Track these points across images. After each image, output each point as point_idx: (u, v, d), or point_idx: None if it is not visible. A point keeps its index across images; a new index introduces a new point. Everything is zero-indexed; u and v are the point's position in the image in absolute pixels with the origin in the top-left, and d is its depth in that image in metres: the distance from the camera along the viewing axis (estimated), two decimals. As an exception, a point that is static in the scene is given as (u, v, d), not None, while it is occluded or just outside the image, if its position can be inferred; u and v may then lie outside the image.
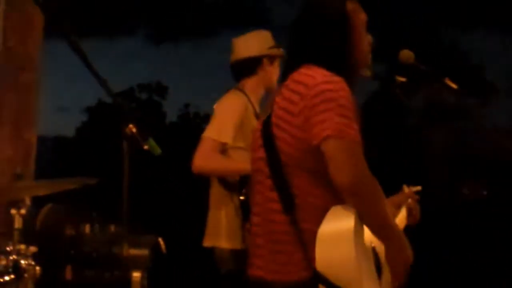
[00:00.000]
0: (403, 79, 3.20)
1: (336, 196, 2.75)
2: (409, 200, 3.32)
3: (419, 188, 3.40)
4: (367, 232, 2.80)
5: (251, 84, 4.43)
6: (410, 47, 3.17)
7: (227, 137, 4.13)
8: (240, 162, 4.09)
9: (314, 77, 2.82)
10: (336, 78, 2.80)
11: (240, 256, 3.99)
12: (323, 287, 2.69)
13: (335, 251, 2.68)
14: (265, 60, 4.42)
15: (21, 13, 5.38)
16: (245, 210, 4.10)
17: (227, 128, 4.15)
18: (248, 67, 4.44)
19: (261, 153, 2.95)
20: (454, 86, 3.18)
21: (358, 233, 2.71)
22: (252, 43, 4.47)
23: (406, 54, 3.12)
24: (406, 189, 3.38)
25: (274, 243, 2.89)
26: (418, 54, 3.15)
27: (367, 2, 3.03)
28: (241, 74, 4.46)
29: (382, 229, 2.78)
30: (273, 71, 4.43)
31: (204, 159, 4.10)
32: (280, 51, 4.41)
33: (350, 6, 2.98)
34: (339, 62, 2.90)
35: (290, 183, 2.85)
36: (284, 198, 2.86)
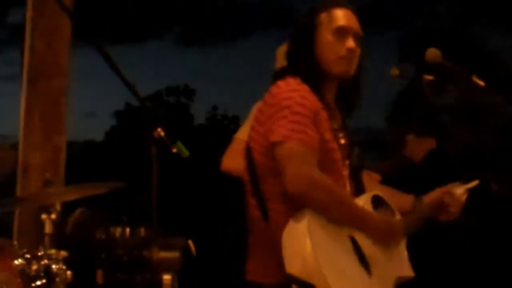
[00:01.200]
0: (431, 78, 3.19)
1: None
2: (445, 196, 3.32)
3: (474, 183, 3.36)
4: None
5: None
6: (438, 45, 3.16)
7: None
8: None
9: (280, 87, 2.99)
10: (299, 87, 2.96)
11: None
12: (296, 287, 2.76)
13: (294, 249, 2.76)
14: None
15: (49, 19, 5.41)
16: None
17: None
18: (282, 76, 4.44)
19: (244, 163, 3.11)
20: (481, 83, 3.16)
21: (319, 228, 2.76)
22: (283, 52, 4.44)
23: (433, 53, 3.11)
24: (454, 186, 3.36)
25: (260, 248, 3.04)
26: (446, 52, 3.14)
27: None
28: None
29: (351, 222, 2.86)
30: None
31: (231, 158, 4.17)
32: None
33: (322, 17, 3.09)
34: (308, 70, 3.03)
35: (264, 190, 2.97)
36: (261, 205, 2.99)
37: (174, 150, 2.79)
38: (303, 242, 2.72)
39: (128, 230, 4.30)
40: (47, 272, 3.20)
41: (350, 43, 3.06)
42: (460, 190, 3.33)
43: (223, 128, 26.85)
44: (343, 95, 3.18)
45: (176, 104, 28.71)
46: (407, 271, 3.06)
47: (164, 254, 4.00)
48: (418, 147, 4.63)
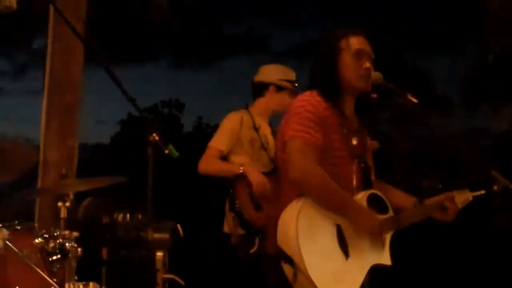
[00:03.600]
0: (375, 96, 3.20)
1: None
2: (446, 201, 3.22)
3: (481, 192, 3.25)
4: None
5: (259, 103, 4.50)
6: (379, 69, 3.17)
7: (223, 146, 4.29)
8: (232, 165, 4.21)
9: (297, 99, 3.04)
10: (310, 98, 2.98)
11: (224, 239, 4.21)
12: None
13: (284, 228, 2.82)
14: (271, 87, 4.45)
15: (65, 45, 5.40)
16: (231, 202, 4.17)
17: (223, 139, 4.30)
18: (258, 89, 4.51)
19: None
20: (415, 100, 3.18)
21: (309, 214, 2.79)
22: (268, 72, 4.52)
23: (376, 75, 3.13)
24: (459, 193, 3.24)
25: (274, 226, 2.97)
26: (385, 74, 3.16)
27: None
28: (254, 93, 4.54)
29: (337, 208, 2.87)
30: (280, 98, 4.43)
31: (204, 163, 4.27)
32: (287, 85, 4.44)
33: (342, 43, 3.07)
34: (329, 86, 3.03)
35: (281, 179, 3.05)
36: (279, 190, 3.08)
37: (166, 152, 2.78)
38: (291, 224, 2.76)
39: (128, 215, 4.30)
40: (61, 249, 3.18)
41: (367, 63, 3.07)
42: (462, 197, 3.20)
43: (207, 135, 26.82)
44: (362, 108, 3.18)
45: (168, 115, 28.61)
46: (385, 260, 2.99)
47: (157, 235, 4.01)
48: None
